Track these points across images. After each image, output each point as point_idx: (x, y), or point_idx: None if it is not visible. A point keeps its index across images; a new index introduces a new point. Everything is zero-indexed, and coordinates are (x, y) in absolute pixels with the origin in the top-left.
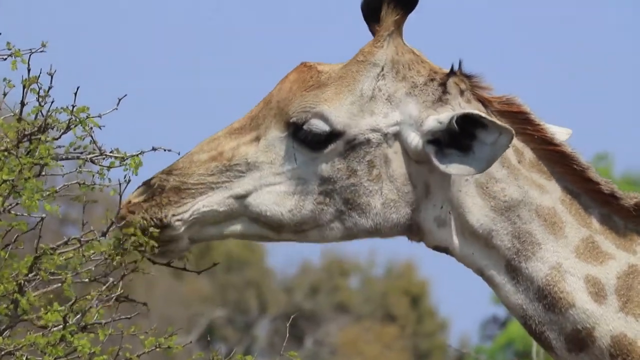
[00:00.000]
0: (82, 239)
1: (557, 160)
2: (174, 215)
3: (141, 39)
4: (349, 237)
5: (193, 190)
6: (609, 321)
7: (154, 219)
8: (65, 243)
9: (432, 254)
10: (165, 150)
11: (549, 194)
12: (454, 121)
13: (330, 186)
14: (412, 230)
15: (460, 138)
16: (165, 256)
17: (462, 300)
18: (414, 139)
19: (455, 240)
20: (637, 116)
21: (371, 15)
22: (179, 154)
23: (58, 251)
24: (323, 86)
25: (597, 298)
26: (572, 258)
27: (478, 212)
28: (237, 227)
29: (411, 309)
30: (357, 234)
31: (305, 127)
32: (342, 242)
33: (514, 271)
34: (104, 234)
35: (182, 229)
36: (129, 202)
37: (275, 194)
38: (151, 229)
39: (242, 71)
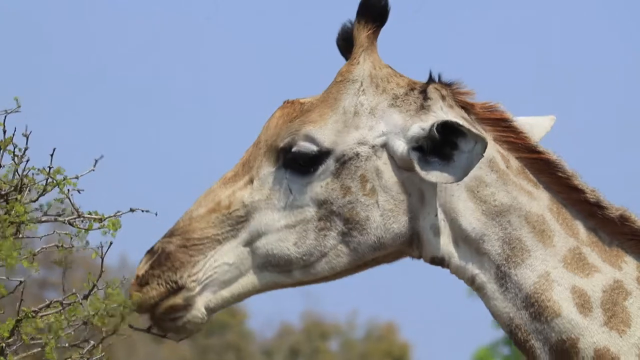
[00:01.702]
0: (64, 302)
1: (542, 169)
2: (189, 276)
3: (118, 98)
4: (357, 261)
5: (200, 246)
6: (593, 333)
7: (170, 283)
8: (47, 306)
9: (412, 316)
10: (143, 211)
11: (537, 200)
12: (434, 129)
13: (328, 209)
14: (413, 241)
15: (442, 146)
16: (181, 331)
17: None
18: (400, 146)
19: (450, 249)
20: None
21: (348, 48)
22: (156, 215)
23: (40, 314)
24: (307, 112)
25: (583, 310)
26: (560, 268)
27: (470, 215)
28: (248, 281)
29: None
30: (364, 254)
31: (294, 150)
32: (353, 272)
33: (503, 278)
34: (85, 297)
35: (197, 289)
36: (138, 275)
37: (277, 231)
38: (134, 295)
39: (224, 126)
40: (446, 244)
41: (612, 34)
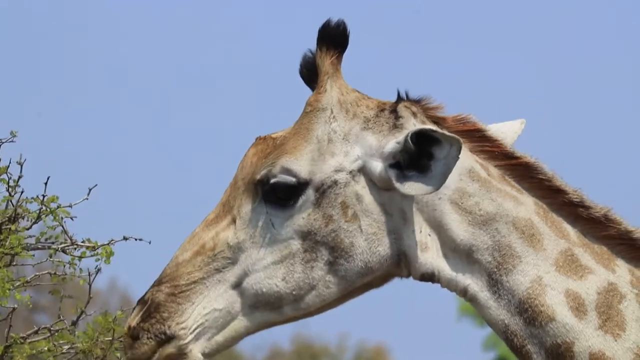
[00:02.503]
0: (52, 329)
1: (523, 174)
2: (177, 324)
3: (111, 126)
4: (347, 289)
5: (187, 292)
6: (588, 337)
7: (159, 335)
8: (36, 332)
9: (402, 338)
10: (136, 239)
11: (524, 205)
12: (409, 139)
13: (312, 240)
14: (401, 261)
15: (418, 158)
16: None
17: None
18: (377, 166)
19: (439, 262)
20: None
21: (312, 78)
22: (149, 243)
23: (28, 340)
24: (280, 146)
25: (578, 313)
26: (553, 272)
27: (457, 227)
28: (241, 324)
29: None
30: (352, 281)
31: (272, 182)
32: (343, 301)
33: (495, 285)
34: (74, 323)
35: (189, 337)
36: (130, 326)
37: (265, 268)
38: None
39: (218, 155)
40: (434, 258)
41: (612, 35)
